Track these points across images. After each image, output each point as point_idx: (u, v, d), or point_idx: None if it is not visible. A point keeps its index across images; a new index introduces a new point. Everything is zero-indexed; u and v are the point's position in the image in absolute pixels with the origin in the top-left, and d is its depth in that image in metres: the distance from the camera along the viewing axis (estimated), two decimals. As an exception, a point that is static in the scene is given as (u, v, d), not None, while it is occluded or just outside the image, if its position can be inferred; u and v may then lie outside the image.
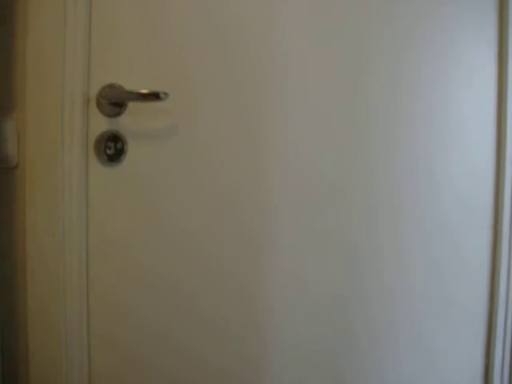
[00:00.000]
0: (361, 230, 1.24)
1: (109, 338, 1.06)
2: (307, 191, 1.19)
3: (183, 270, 1.10)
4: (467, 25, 1.31)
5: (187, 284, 1.11)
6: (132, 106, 1.02)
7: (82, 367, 1.03)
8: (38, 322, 1.00)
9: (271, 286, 1.18)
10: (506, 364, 1.46)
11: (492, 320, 1.44)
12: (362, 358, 1.28)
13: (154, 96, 0.97)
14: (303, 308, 1.21)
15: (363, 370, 1.29)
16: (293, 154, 1.17)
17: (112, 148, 1.01)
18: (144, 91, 0.98)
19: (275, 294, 1.18)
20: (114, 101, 1.00)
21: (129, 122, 1.02)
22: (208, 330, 1.13)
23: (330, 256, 1.22)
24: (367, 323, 1.27)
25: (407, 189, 1.28)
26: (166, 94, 0.98)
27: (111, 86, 1.00)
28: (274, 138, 1.15)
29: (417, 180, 1.29)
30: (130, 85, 1.01)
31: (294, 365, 1.21)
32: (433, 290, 1.34)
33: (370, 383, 1.30)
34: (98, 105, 1.00)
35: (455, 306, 1.38)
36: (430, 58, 1.27)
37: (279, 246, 1.17)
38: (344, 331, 1.25)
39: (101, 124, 1.01)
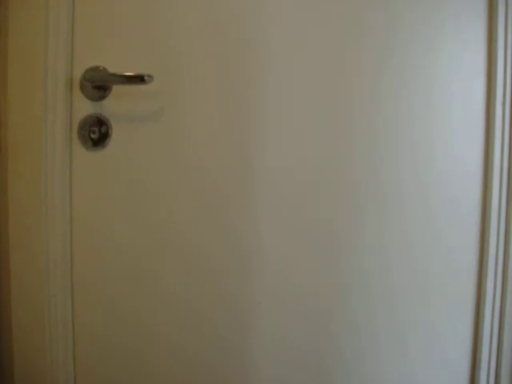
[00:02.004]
0: (345, 231, 1.22)
1: (93, 327, 1.05)
2: (293, 186, 1.16)
3: (168, 259, 1.09)
4: (458, 9, 1.29)
5: (172, 275, 1.09)
6: (116, 89, 1.00)
7: (66, 356, 1.02)
8: (22, 309, 0.99)
9: (257, 285, 1.16)
10: (491, 376, 1.46)
11: (479, 319, 1.43)
12: (343, 358, 1.27)
13: (139, 79, 0.96)
14: (287, 307, 1.19)
15: (344, 369, 1.28)
16: (281, 148, 1.15)
17: (96, 132, 0.99)
18: (128, 74, 0.96)
19: (261, 292, 1.16)
20: (98, 84, 0.98)
21: (113, 105, 1.01)
22: (193, 326, 1.12)
23: (315, 256, 1.20)
24: (350, 325, 1.26)
25: (392, 187, 1.26)
26: (150, 76, 0.96)
27: (95, 69, 0.98)
28: (262, 128, 1.13)
29: (401, 179, 1.27)
30: (115, 67, 0.99)
31: (278, 363, 1.20)
32: (417, 293, 1.33)
33: (350, 381, 1.30)
34: (82, 88, 0.98)
35: (440, 309, 1.37)
36: (418, 46, 1.26)
37: (264, 240, 1.16)
38: (327, 331, 1.24)
39: (85, 108, 0.99)
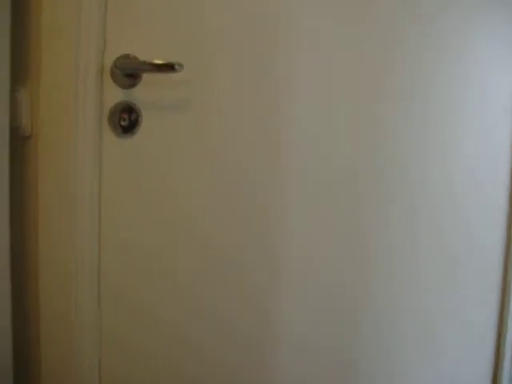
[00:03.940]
0: (373, 229, 1.22)
1: (119, 331, 1.05)
2: (321, 179, 1.16)
3: (193, 257, 1.08)
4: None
5: (200, 277, 1.09)
6: (147, 77, 1.01)
7: (92, 360, 1.02)
8: (50, 313, 0.99)
9: (282, 283, 1.16)
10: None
11: (503, 317, 1.42)
12: (369, 357, 1.26)
13: (169, 67, 0.96)
14: (313, 306, 1.19)
15: (370, 366, 1.27)
16: (311, 144, 1.14)
17: (126, 119, 1.00)
18: (158, 62, 0.96)
19: (285, 290, 1.16)
20: (129, 72, 0.99)
21: (143, 93, 1.01)
22: (217, 326, 1.12)
23: (342, 255, 1.20)
24: (376, 323, 1.25)
25: (418, 174, 1.25)
26: (180, 65, 0.96)
27: (126, 57, 0.99)
28: (292, 123, 1.12)
29: (428, 166, 1.26)
30: (146, 56, 0.99)
31: (302, 361, 1.20)
32: (444, 287, 1.32)
33: (376, 378, 1.28)
34: (113, 76, 0.99)
35: (469, 305, 1.36)
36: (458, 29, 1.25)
37: (291, 238, 1.15)
38: (353, 329, 1.24)
39: (115, 95, 0.99)
